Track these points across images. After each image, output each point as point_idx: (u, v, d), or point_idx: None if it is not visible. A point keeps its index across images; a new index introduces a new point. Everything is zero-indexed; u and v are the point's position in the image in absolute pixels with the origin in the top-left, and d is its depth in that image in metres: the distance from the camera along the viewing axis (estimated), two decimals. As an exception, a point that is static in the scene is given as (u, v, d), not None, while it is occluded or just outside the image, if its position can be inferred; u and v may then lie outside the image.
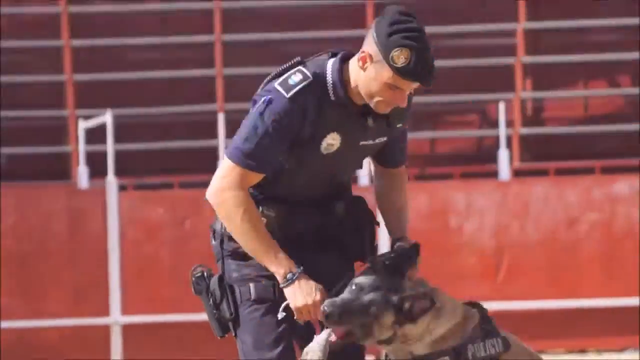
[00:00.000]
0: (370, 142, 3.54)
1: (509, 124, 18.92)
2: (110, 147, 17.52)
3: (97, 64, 21.30)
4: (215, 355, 14.90)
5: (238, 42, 21.55)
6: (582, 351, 16.63)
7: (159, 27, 21.66)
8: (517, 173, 18.73)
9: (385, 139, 3.62)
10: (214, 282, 3.66)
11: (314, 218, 3.67)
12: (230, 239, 3.61)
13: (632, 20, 20.57)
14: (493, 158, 18.35)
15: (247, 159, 3.37)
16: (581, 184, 17.88)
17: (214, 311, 3.69)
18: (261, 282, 3.63)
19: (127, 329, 16.53)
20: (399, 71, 3.14)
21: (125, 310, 16.48)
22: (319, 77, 3.34)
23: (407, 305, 3.27)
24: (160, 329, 16.59)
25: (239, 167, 3.39)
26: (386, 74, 3.17)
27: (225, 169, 3.46)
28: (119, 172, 17.78)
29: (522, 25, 20.88)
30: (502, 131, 18.07)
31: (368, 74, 3.23)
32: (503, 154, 17.85)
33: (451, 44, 21.28)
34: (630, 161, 18.65)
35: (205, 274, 3.72)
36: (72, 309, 16.49)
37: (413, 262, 3.58)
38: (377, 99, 3.28)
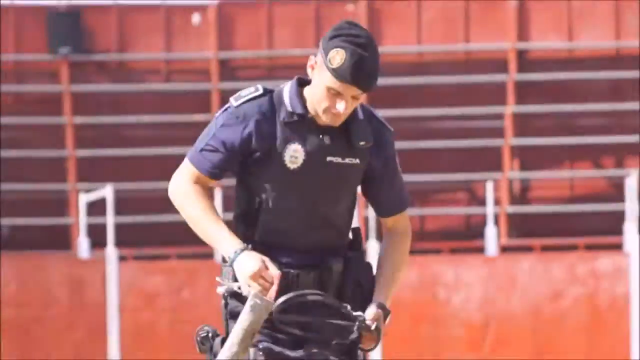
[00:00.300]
0: (339, 159, 3.29)
1: (497, 202, 19.29)
2: (110, 219, 17.86)
3: (97, 140, 21.75)
4: None
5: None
6: (570, 420, 16.63)
7: (158, 105, 22.30)
8: (504, 249, 19.02)
9: (357, 161, 3.34)
10: (217, 344, 3.44)
11: (303, 275, 3.31)
12: (232, 298, 3.42)
13: (615, 106, 21.18)
14: (481, 234, 18.69)
15: (195, 156, 3.34)
16: (566, 260, 18.26)
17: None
18: (259, 347, 3.32)
19: (125, 394, 16.57)
20: (334, 72, 3.04)
21: (124, 376, 16.60)
22: (271, 92, 3.31)
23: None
24: (159, 394, 16.52)
25: (189, 163, 3.36)
26: (325, 77, 3.07)
27: (181, 166, 3.44)
28: (118, 243, 18.09)
29: (511, 108, 21.30)
30: (490, 209, 18.46)
31: (314, 82, 3.16)
32: (490, 231, 18.19)
33: (443, 125, 21.65)
34: (613, 239, 19.01)
35: (210, 334, 3.40)
36: (73, 371, 16.55)
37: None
38: (322, 106, 3.15)
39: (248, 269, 2.96)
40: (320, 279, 3.13)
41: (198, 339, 3.21)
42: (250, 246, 3.07)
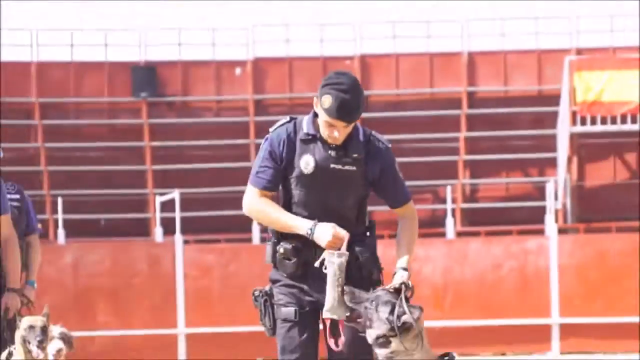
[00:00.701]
0: (340, 167, 3.50)
1: (454, 200, 20.07)
2: (177, 214, 18.82)
3: (168, 158, 22.68)
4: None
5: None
6: (503, 354, 17.57)
7: (211, 133, 23.09)
8: (459, 234, 19.89)
9: (354, 168, 3.53)
10: (260, 302, 3.67)
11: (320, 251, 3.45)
12: (274, 268, 3.64)
13: (538, 132, 22.07)
14: (443, 224, 19.58)
15: (253, 179, 3.50)
16: (503, 242, 19.25)
17: (261, 321, 3.75)
18: (288, 308, 3.59)
19: (189, 337, 17.63)
20: (325, 111, 3.25)
21: (188, 324, 17.67)
22: (295, 120, 3.50)
23: (399, 311, 3.00)
24: (217, 337, 17.64)
25: (251, 186, 3.51)
26: (321, 114, 3.28)
27: (247, 190, 3.60)
28: (183, 231, 19.01)
29: (464, 134, 22.10)
30: (449, 206, 19.33)
31: (319, 115, 3.35)
32: (449, 221, 19.10)
33: (415, 146, 22.19)
34: (537, 227, 19.83)
35: (260, 293, 3.71)
36: (151, 322, 17.71)
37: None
38: (324, 133, 3.37)
39: (327, 233, 3.07)
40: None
41: (253, 297, 3.50)
42: (316, 221, 3.19)
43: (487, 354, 17.25)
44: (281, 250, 3.39)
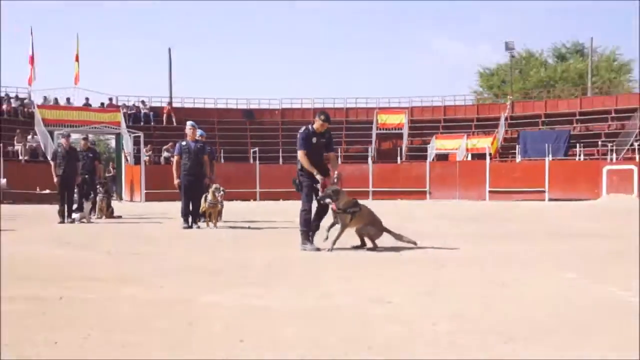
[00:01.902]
0: (322, 140, 9.87)
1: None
2: None
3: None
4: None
5: None
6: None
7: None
8: None
9: (324, 140, 9.91)
10: (295, 181, 9.91)
11: (320, 170, 9.69)
12: (300, 171, 9.94)
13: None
14: None
15: (301, 146, 9.73)
16: None
17: (297, 188, 10.00)
18: (305, 183, 9.80)
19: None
20: (318, 117, 9.87)
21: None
22: (308, 125, 9.97)
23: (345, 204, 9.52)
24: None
25: (300, 150, 9.77)
26: (318, 121, 9.80)
27: (298, 152, 9.82)
28: None
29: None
30: None
31: (316, 122, 9.83)
32: None
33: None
34: None
35: (296, 179, 9.94)
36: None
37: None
38: (317, 126, 9.82)
39: (318, 175, 9.64)
40: (325, 175, 9.79)
41: (293, 180, 10.14)
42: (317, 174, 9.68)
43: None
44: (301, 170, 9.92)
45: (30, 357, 3.88)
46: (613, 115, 36.14)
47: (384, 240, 9.73)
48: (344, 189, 9.78)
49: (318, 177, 9.47)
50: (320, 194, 9.47)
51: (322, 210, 9.77)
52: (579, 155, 32.70)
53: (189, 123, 14.69)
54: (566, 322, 4.77)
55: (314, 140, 9.65)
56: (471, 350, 4.03)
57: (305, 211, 9.56)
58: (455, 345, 4.15)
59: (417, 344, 4.19)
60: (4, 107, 34.44)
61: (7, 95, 35.54)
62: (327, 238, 9.29)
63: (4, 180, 28.52)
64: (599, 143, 33.37)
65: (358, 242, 9.58)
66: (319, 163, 9.71)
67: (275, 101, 41.38)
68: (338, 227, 9.33)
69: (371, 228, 9.58)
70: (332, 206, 9.31)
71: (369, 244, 9.54)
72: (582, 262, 8.17)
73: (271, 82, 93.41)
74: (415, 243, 9.75)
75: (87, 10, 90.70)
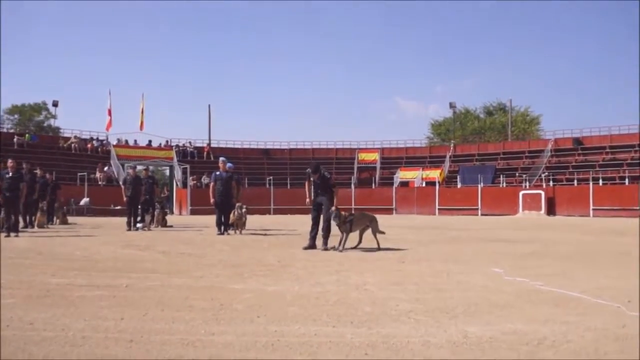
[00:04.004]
0: (317, 182, 9.64)
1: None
2: None
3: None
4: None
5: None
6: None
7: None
8: None
9: (319, 182, 9.58)
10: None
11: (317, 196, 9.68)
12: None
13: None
14: None
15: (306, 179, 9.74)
16: None
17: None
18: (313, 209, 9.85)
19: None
20: (310, 170, 9.56)
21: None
22: (309, 171, 9.61)
23: (343, 219, 9.44)
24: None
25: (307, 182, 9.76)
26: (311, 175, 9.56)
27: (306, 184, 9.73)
28: None
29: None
30: None
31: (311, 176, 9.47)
32: None
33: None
34: None
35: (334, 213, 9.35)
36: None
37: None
38: (313, 177, 9.53)
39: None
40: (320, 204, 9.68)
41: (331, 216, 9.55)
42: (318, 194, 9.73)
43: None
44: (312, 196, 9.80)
45: (105, 329, 3.86)
46: (527, 154, 36.97)
47: (364, 243, 9.76)
48: (339, 209, 9.60)
49: (307, 200, 9.77)
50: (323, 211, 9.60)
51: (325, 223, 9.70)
52: (502, 183, 33.31)
53: (220, 158, 14.78)
54: (493, 304, 4.77)
55: (312, 179, 9.72)
56: (425, 324, 4.03)
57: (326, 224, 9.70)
58: (413, 320, 4.15)
59: (386, 319, 4.18)
60: (89, 145, 35.71)
61: (90, 137, 37.22)
62: (338, 249, 9.32)
63: (87, 199, 28.77)
64: (517, 174, 34.05)
65: (352, 247, 9.52)
66: (321, 191, 9.65)
67: (285, 143, 42.13)
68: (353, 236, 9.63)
69: (369, 224, 9.74)
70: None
71: (370, 243, 9.58)
72: (505, 260, 8.17)
73: (282, 130, 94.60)
74: (383, 232, 10.01)
75: (150, 78, 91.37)
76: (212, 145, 40.00)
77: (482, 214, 30.32)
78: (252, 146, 41.45)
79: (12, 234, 12.27)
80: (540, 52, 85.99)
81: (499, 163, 36.88)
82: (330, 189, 9.61)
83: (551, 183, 31.10)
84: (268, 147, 41.73)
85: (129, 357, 3.21)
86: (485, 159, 37.71)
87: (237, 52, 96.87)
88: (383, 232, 9.95)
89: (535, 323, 4.03)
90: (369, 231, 9.82)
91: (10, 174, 12.70)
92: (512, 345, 3.47)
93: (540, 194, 29.70)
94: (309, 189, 9.76)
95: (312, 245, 9.57)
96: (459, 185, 34.39)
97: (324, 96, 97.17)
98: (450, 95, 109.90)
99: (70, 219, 20.26)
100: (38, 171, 17.68)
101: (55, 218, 18.25)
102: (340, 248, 9.22)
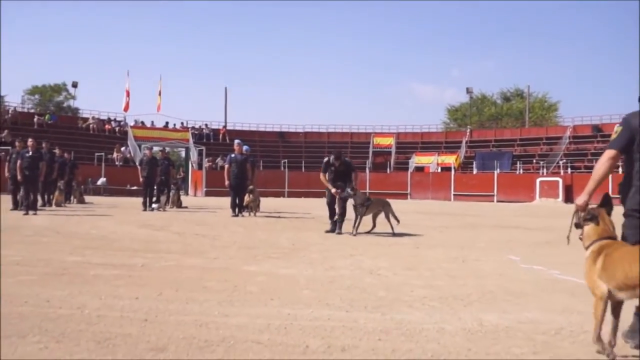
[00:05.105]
0: (341, 168, 9.54)
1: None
2: None
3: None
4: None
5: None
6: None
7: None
8: None
9: (342, 169, 9.52)
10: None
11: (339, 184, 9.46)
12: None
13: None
14: None
15: (322, 170, 9.61)
16: None
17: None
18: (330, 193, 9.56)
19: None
20: (331, 157, 9.45)
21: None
22: (329, 157, 9.62)
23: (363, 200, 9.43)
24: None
25: (321, 172, 9.62)
26: (332, 156, 9.46)
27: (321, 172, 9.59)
28: None
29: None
30: None
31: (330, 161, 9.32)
32: None
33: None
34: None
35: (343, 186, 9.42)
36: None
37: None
38: (335, 163, 9.44)
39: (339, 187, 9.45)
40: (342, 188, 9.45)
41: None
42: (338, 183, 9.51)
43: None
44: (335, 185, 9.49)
45: (120, 308, 3.87)
46: (544, 141, 36.37)
47: (379, 228, 9.72)
48: (360, 190, 9.68)
49: (333, 191, 9.56)
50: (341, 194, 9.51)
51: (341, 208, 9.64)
52: (519, 170, 32.88)
53: (236, 141, 14.80)
54: (509, 292, 4.73)
55: (333, 168, 9.64)
56: (440, 311, 3.99)
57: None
58: (428, 307, 4.12)
59: (400, 305, 4.15)
60: (106, 126, 35.88)
61: (108, 118, 37.26)
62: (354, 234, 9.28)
63: (104, 179, 29.02)
64: (534, 161, 33.67)
65: (366, 231, 9.51)
66: (341, 180, 9.57)
67: (300, 127, 41.95)
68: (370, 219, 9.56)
69: (382, 209, 9.67)
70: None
71: (384, 227, 9.49)
72: (521, 248, 8.10)
73: (297, 112, 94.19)
74: (398, 220, 9.83)
75: (168, 58, 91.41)
76: (228, 128, 39.91)
77: (498, 201, 30.11)
78: (267, 129, 41.38)
79: (31, 212, 12.44)
80: (560, 38, 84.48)
81: (516, 149, 36.44)
82: (349, 176, 9.61)
83: (569, 170, 30.67)
84: (283, 130, 41.58)
85: (144, 336, 3.22)
86: (502, 145, 37.27)
87: (254, 35, 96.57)
88: (397, 220, 9.86)
89: (552, 312, 3.98)
90: (382, 216, 9.77)
91: (30, 153, 12.90)
92: (528, 334, 3.43)
93: (557, 181, 29.37)
94: (327, 180, 9.69)
95: (334, 229, 9.63)
96: (474, 171, 33.99)
97: (342, 79, 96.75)
98: (467, 80, 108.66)
99: (87, 198, 20.51)
100: (57, 151, 17.83)
101: (72, 197, 18.44)
102: (354, 232, 9.19)
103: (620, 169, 3.63)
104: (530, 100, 48.79)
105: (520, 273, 5.72)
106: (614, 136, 3.22)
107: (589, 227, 3.03)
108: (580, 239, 3.16)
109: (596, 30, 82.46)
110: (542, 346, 3.20)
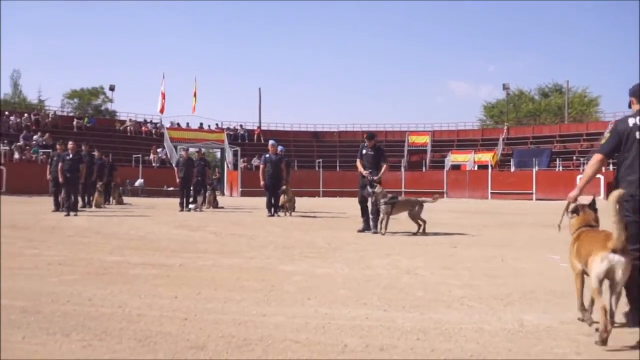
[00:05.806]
0: (371, 152, 9.59)
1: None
2: None
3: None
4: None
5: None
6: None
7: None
8: None
9: (372, 153, 9.55)
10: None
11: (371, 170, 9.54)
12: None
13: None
14: None
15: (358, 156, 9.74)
16: None
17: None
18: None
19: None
20: (365, 136, 9.91)
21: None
22: (362, 143, 9.88)
23: (388, 198, 9.22)
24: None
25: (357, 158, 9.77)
26: (366, 141, 9.69)
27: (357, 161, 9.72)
28: None
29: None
30: None
31: (366, 142, 9.58)
32: None
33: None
34: None
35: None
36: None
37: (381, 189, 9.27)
38: (367, 143, 9.61)
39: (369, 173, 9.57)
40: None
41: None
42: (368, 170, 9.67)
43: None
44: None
45: (160, 307, 3.95)
46: (584, 137, 35.60)
47: (413, 227, 9.62)
48: (383, 189, 9.50)
49: (365, 173, 9.52)
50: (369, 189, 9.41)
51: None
52: (558, 167, 32.22)
53: (270, 141, 14.86)
54: (550, 291, 4.64)
55: (364, 151, 9.63)
56: (479, 311, 3.95)
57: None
58: (466, 307, 4.08)
59: (438, 305, 4.13)
60: (143, 128, 36.55)
61: (145, 120, 37.81)
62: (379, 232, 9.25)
63: (141, 180, 29.54)
64: (574, 158, 32.95)
65: (404, 231, 9.41)
66: (371, 167, 9.55)
67: (334, 126, 41.98)
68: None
69: (412, 209, 9.48)
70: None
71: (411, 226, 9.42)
72: (561, 246, 7.89)
73: (331, 112, 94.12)
74: (424, 221, 9.59)
75: (202, 60, 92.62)
76: (263, 128, 40.11)
77: (537, 199, 29.48)
78: (301, 129, 41.41)
79: (72, 213, 12.76)
80: (600, 30, 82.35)
81: (555, 146, 35.67)
82: (379, 165, 9.56)
83: (611, 167, 29.68)
84: (317, 129, 41.61)
85: (183, 334, 3.27)
86: (541, 142, 36.52)
87: (288, 35, 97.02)
88: (423, 220, 9.60)
89: (594, 312, 3.88)
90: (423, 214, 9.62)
91: (71, 155, 13.25)
92: (570, 334, 3.37)
93: (599, 178, 28.51)
94: (361, 165, 9.73)
95: (366, 228, 9.61)
96: (512, 169, 33.42)
97: (376, 80, 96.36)
98: (503, 76, 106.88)
99: (125, 199, 20.90)
100: (96, 153, 18.24)
101: (111, 198, 18.83)
102: (383, 231, 9.14)
103: (611, 166, 4.07)
104: (569, 95, 47.73)
105: (560, 272, 5.60)
106: (603, 141, 3.88)
107: (573, 219, 3.80)
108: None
109: (638, 22, 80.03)
110: (585, 347, 3.14)
